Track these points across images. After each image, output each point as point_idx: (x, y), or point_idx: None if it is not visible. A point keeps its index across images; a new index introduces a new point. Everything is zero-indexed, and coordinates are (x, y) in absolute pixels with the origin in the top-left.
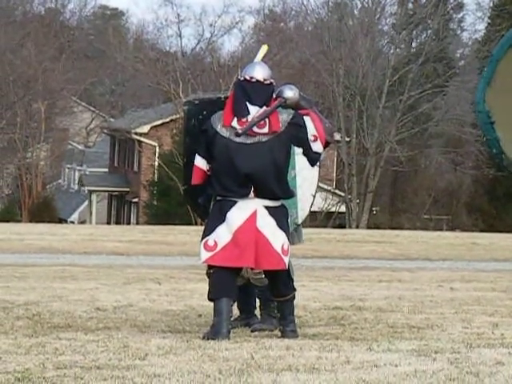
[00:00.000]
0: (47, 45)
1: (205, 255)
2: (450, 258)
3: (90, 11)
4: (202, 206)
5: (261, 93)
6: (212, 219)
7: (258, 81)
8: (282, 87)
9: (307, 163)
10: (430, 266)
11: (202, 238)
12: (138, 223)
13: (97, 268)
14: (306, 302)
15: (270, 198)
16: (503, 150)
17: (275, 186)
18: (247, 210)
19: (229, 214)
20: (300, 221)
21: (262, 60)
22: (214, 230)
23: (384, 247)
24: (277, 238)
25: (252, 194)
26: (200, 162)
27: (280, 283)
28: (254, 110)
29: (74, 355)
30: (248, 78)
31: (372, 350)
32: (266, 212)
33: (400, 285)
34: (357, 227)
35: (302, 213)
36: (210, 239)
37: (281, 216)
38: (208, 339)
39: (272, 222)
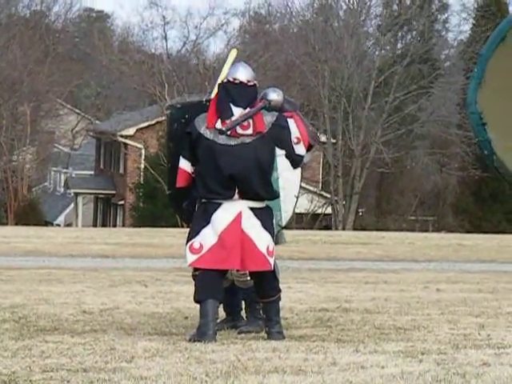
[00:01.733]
0: (32, 47)
1: (191, 258)
2: (436, 259)
3: (75, 14)
4: (186, 210)
5: (244, 94)
6: (197, 222)
7: (241, 82)
8: (267, 90)
9: (289, 165)
10: (416, 268)
11: (188, 241)
12: (124, 225)
13: (83, 271)
14: (293, 304)
15: (254, 199)
16: (494, 151)
17: (259, 188)
18: (232, 211)
19: (214, 216)
20: (284, 223)
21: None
22: (199, 233)
23: (370, 249)
24: (262, 239)
25: (236, 196)
26: (184, 165)
27: (265, 284)
28: (237, 112)
29: (60, 358)
30: (231, 79)
31: (359, 352)
32: (250, 213)
33: (386, 286)
34: (343, 229)
35: (285, 214)
36: (196, 242)
37: (265, 217)
38: (194, 341)
39: (257, 223)
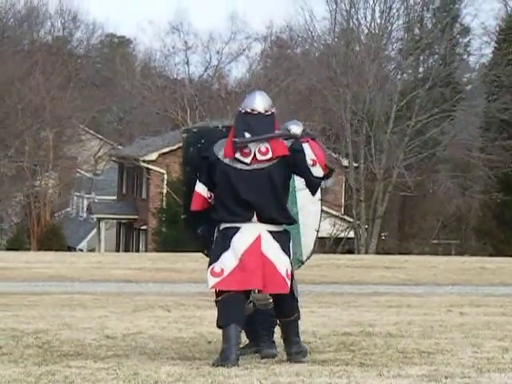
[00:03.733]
0: (55, 73)
1: (212, 281)
2: (459, 282)
3: (97, 39)
4: (201, 236)
5: (263, 124)
6: (216, 248)
7: (259, 113)
8: (288, 122)
9: (309, 197)
10: (439, 291)
11: (209, 266)
12: (146, 250)
13: (105, 296)
14: (316, 328)
15: (272, 223)
16: None
17: (275, 212)
18: (251, 234)
19: (234, 240)
20: (305, 258)
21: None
22: (219, 258)
23: (393, 272)
24: (281, 261)
25: (255, 218)
26: (201, 189)
27: (284, 304)
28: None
29: (83, 383)
30: (249, 110)
31: (382, 376)
32: (269, 236)
33: (409, 310)
34: (366, 252)
35: (306, 249)
36: (217, 266)
37: (284, 240)
38: (217, 366)
39: (276, 245)
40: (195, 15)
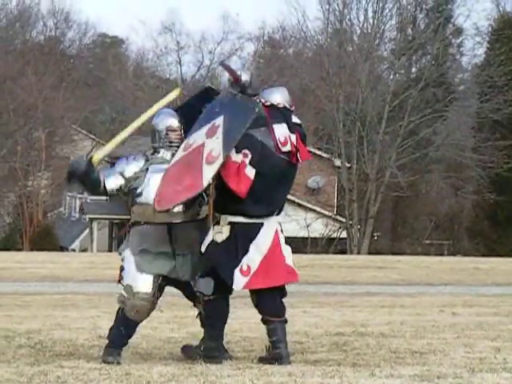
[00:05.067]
0: (47, 73)
1: (242, 281)
2: (452, 282)
3: (89, 39)
4: None
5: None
6: (241, 245)
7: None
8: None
9: None
10: (431, 291)
11: (230, 265)
12: None
13: (98, 296)
14: (308, 328)
15: (279, 214)
16: None
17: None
18: (273, 228)
19: (258, 236)
20: None
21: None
22: (244, 256)
23: (385, 273)
24: (288, 252)
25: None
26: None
27: (278, 303)
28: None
29: (76, 383)
30: (287, 105)
31: (374, 376)
32: (280, 228)
33: (402, 310)
34: (358, 253)
35: None
36: (244, 264)
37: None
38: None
39: (283, 237)
40: (187, 15)
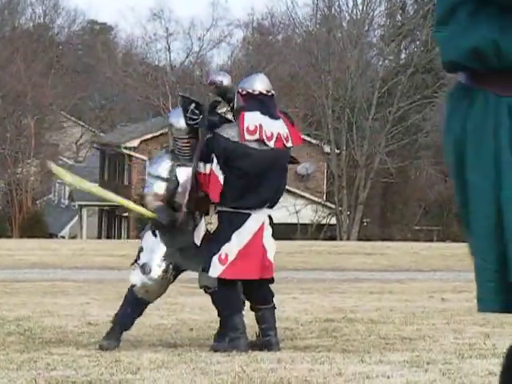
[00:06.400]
0: (36, 60)
1: (219, 269)
2: (441, 268)
3: (78, 26)
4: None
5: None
6: (223, 233)
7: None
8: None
9: None
10: (421, 277)
11: (213, 251)
12: (128, 237)
13: (88, 283)
14: (298, 315)
15: (271, 208)
16: None
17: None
18: (259, 221)
19: (242, 227)
20: None
21: None
22: (224, 244)
23: (375, 259)
24: (271, 247)
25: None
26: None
27: (265, 290)
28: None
29: (65, 370)
30: (263, 91)
31: (364, 362)
32: (268, 222)
33: (391, 296)
34: (347, 239)
35: None
36: (222, 253)
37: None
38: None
39: (270, 231)
40: (176, 2)
